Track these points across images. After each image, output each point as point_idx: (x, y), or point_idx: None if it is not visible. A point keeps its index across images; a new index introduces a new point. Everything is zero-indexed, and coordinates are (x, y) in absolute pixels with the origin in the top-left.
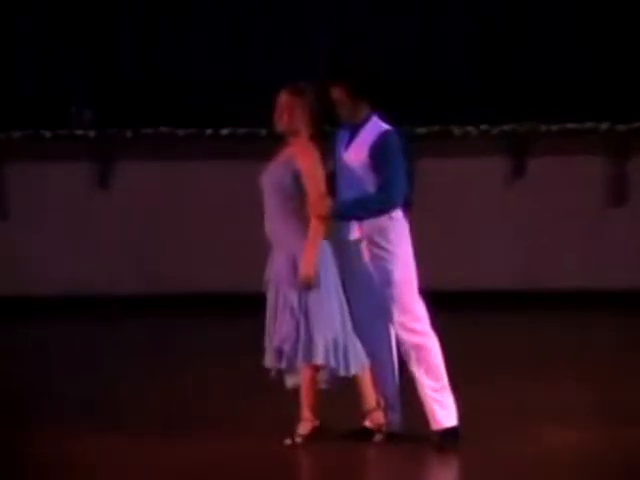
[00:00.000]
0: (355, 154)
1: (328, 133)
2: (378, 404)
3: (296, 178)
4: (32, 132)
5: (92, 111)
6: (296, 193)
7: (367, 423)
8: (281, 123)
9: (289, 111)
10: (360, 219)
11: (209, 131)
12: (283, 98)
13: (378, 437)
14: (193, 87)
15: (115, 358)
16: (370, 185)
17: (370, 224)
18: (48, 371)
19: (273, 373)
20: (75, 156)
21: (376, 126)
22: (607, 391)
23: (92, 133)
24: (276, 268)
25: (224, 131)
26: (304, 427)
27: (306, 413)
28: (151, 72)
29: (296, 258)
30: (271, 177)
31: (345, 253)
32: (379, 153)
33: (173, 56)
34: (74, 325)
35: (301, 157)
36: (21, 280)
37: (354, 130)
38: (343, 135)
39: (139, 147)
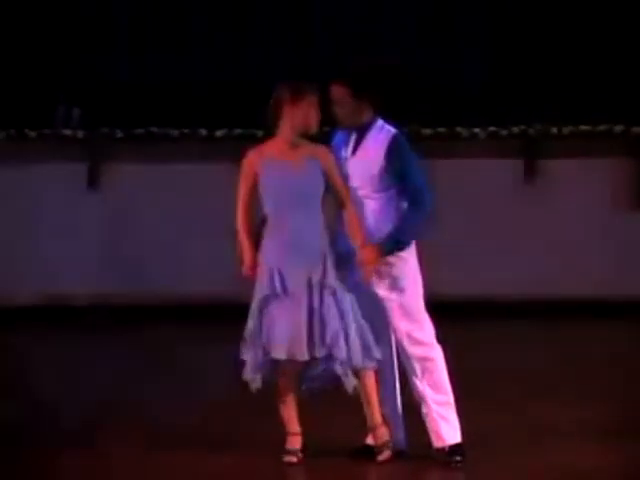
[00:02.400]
0: (365, 159)
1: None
2: (384, 420)
3: (324, 177)
4: (15, 132)
5: (80, 110)
6: (323, 192)
7: (369, 440)
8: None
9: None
10: (409, 244)
11: (203, 132)
12: (313, 98)
13: (385, 454)
14: (187, 87)
15: (103, 369)
16: (379, 187)
17: (378, 230)
18: (34, 382)
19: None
20: (62, 157)
21: (384, 130)
22: (624, 407)
23: (80, 133)
24: (308, 271)
25: (219, 132)
26: (383, 434)
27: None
28: (143, 71)
29: (326, 257)
30: (308, 178)
31: (350, 260)
32: (397, 159)
33: (165, 55)
34: (59, 333)
35: (322, 155)
36: (3, 286)
37: (359, 133)
38: (341, 138)
39: (130, 148)
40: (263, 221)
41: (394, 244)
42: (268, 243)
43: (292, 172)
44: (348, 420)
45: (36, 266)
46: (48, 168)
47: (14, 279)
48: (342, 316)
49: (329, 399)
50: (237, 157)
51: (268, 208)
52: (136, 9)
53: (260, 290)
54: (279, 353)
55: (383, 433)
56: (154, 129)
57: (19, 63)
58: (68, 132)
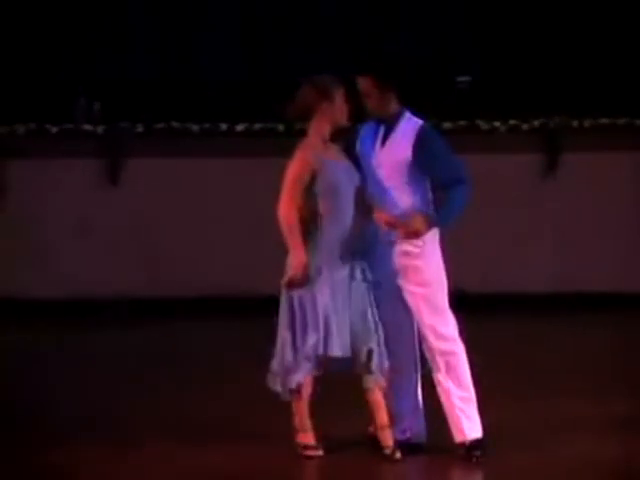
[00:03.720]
0: (394, 150)
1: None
2: (391, 421)
3: None
4: (36, 126)
5: (100, 105)
6: None
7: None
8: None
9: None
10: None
11: (224, 126)
12: (342, 92)
13: (398, 454)
14: (207, 82)
15: (125, 363)
16: (408, 178)
17: (403, 221)
18: (48, 377)
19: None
20: (82, 152)
21: (411, 122)
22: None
23: (101, 128)
24: (352, 267)
25: (239, 127)
26: (389, 436)
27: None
28: (164, 66)
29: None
30: (358, 175)
31: (378, 254)
32: (425, 151)
33: (187, 50)
34: (80, 329)
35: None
36: (22, 281)
37: (388, 124)
38: (368, 131)
39: (150, 143)
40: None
41: (444, 221)
42: (320, 242)
43: (349, 170)
44: (351, 416)
45: (55, 261)
46: (68, 163)
47: (32, 274)
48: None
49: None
50: (257, 151)
51: (326, 207)
52: (156, 3)
53: (313, 292)
54: (336, 350)
55: (388, 436)
56: (175, 124)
57: (39, 58)
58: (88, 127)
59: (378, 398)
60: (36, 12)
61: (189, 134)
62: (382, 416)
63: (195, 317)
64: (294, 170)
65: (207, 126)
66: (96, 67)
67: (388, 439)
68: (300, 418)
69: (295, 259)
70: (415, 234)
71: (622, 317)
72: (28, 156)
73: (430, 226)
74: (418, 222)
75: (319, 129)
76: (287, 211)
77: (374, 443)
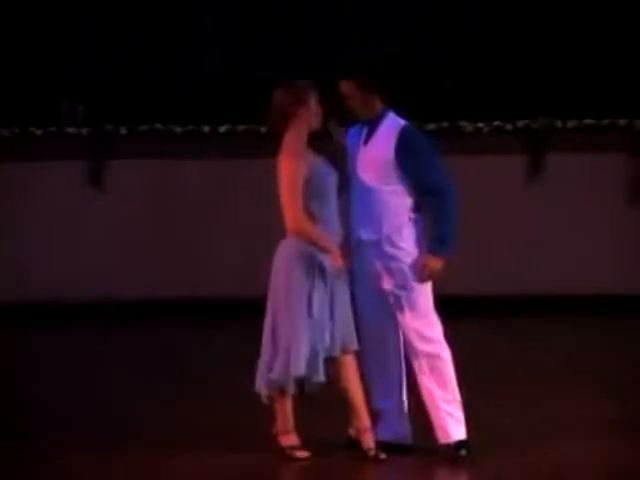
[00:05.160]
0: (375, 151)
1: None
2: (371, 424)
3: None
4: (20, 129)
5: (84, 107)
6: None
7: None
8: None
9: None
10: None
11: (206, 128)
12: (316, 95)
13: (383, 454)
14: (190, 83)
15: (110, 368)
16: (389, 179)
17: (388, 222)
18: (37, 381)
19: None
20: (66, 154)
21: (394, 122)
22: (633, 404)
23: (85, 130)
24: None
25: (222, 128)
26: (370, 439)
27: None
28: (147, 68)
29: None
30: (335, 176)
31: (357, 253)
32: (407, 154)
33: (169, 52)
34: (65, 332)
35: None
36: (7, 284)
37: (371, 125)
38: (354, 133)
39: (134, 145)
40: None
41: (448, 245)
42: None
43: (330, 169)
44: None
45: (38, 263)
46: (52, 165)
47: (17, 277)
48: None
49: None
50: (240, 153)
51: (314, 206)
52: (138, 6)
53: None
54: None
55: (370, 438)
56: (158, 126)
57: (22, 61)
58: (72, 129)
59: (359, 400)
60: (19, 16)
61: (172, 136)
62: (364, 418)
63: (183, 322)
64: (290, 180)
65: (190, 128)
66: (80, 70)
67: (370, 441)
68: (284, 419)
69: (331, 256)
70: (427, 273)
71: (610, 319)
72: (12, 158)
73: (440, 259)
74: (428, 262)
75: (298, 135)
76: (298, 222)
77: (355, 446)
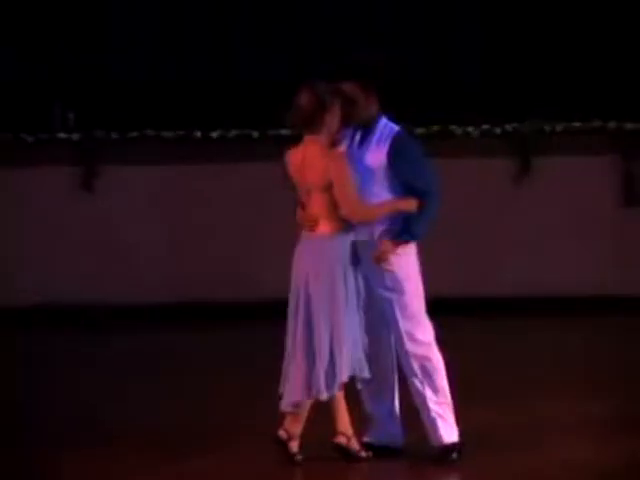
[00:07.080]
0: (368, 155)
1: None
2: (354, 431)
3: None
4: (11, 135)
5: (75, 113)
6: None
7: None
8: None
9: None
10: (417, 236)
11: (198, 133)
12: (339, 102)
13: (369, 452)
14: (182, 88)
15: (101, 372)
16: (383, 185)
17: (379, 224)
18: (30, 385)
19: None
20: (57, 160)
21: (387, 128)
22: (628, 402)
23: (75, 136)
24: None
25: (214, 133)
26: (355, 443)
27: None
28: (138, 74)
29: None
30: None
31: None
32: (400, 161)
33: (160, 57)
34: (57, 336)
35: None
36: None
37: (364, 131)
38: (348, 137)
39: (125, 150)
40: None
41: (408, 237)
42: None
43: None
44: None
45: (31, 268)
46: (43, 171)
47: (9, 281)
48: None
49: None
50: (232, 158)
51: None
52: (131, 11)
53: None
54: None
55: (355, 442)
56: (149, 131)
57: (14, 67)
58: (63, 135)
59: (342, 406)
60: (10, 22)
61: (163, 141)
62: (346, 423)
63: (175, 327)
64: (342, 171)
65: (181, 133)
66: (71, 76)
67: (355, 445)
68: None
69: (406, 207)
70: (386, 257)
71: (597, 320)
72: (4, 165)
73: (398, 245)
74: (386, 247)
75: (325, 137)
76: (357, 208)
77: (342, 451)
